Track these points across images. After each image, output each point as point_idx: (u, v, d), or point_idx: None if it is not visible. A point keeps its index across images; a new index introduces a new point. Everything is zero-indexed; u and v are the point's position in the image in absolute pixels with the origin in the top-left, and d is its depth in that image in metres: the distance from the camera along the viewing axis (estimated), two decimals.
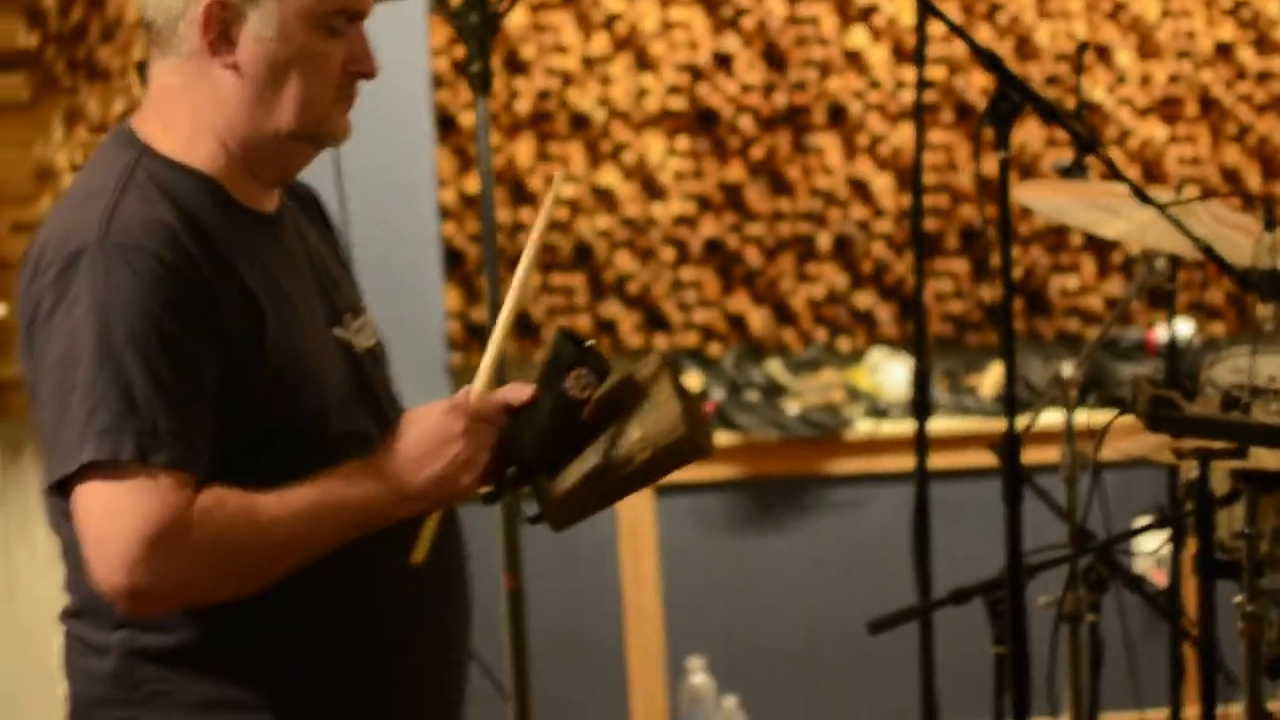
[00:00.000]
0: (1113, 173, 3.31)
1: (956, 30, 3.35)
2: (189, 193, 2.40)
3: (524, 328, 5.46)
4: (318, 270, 2.56)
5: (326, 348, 2.49)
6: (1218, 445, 3.10)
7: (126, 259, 2.29)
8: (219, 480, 2.32)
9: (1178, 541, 3.76)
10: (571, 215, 5.48)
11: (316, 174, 2.69)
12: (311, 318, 2.48)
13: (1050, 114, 3.42)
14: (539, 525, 2.55)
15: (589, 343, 2.54)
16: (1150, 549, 4.83)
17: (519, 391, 2.52)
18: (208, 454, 2.32)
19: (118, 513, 2.26)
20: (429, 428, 2.41)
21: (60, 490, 2.32)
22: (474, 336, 5.44)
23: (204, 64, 2.42)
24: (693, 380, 5.43)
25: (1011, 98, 3.36)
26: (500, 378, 2.57)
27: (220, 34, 2.41)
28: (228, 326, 2.34)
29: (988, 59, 3.37)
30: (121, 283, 2.29)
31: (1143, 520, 4.01)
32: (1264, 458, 3.18)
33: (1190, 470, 3.32)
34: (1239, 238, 3.50)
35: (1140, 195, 3.31)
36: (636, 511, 5.35)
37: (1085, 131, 3.54)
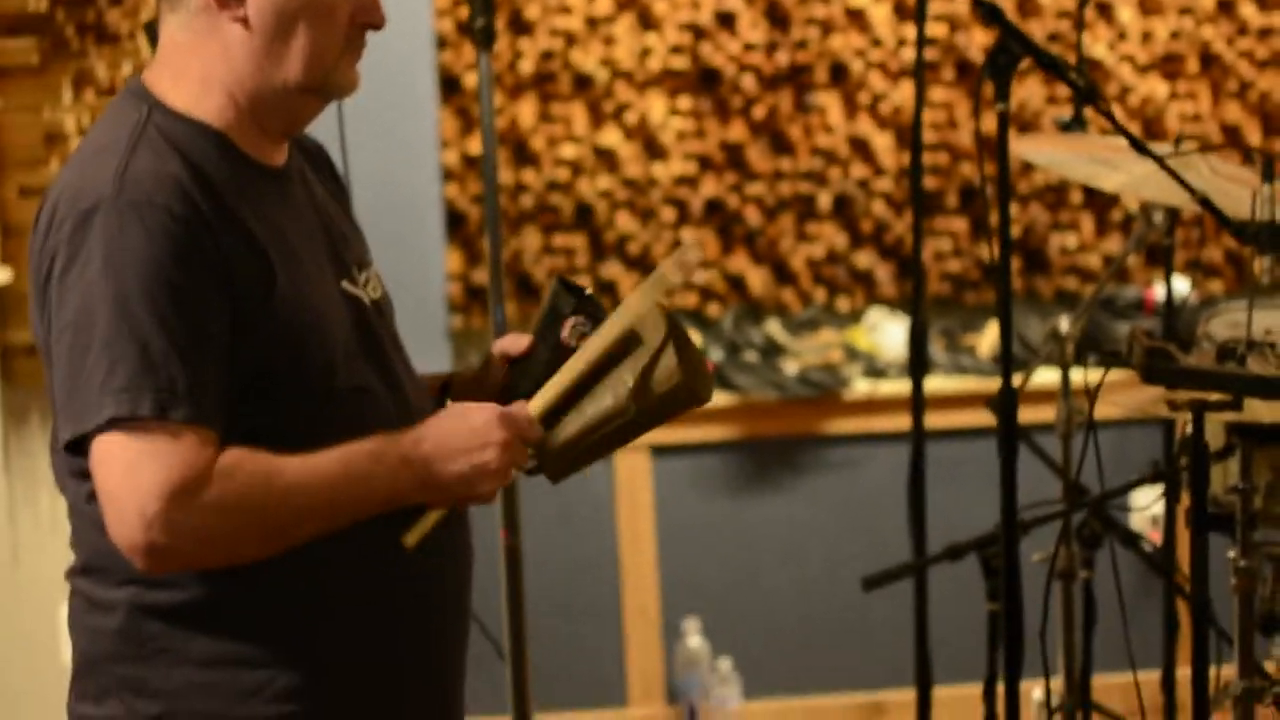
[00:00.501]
0: (1112, 125, 3.28)
1: None
2: (199, 147, 2.41)
3: (525, 289, 5.45)
4: (325, 224, 2.57)
5: (333, 301, 2.49)
6: (1213, 397, 3.07)
7: (139, 215, 2.30)
8: (228, 431, 2.32)
9: (1172, 496, 3.73)
10: (573, 176, 5.46)
11: (320, 135, 2.69)
12: (319, 271, 2.49)
13: (1050, 65, 3.40)
14: (537, 476, 2.55)
15: (586, 291, 2.54)
16: (1144, 505, 4.81)
17: (516, 341, 2.55)
18: (223, 409, 2.33)
19: (137, 469, 2.27)
20: (473, 426, 2.41)
21: (74, 448, 2.33)
22: (474, 299, 5.43)
23: (212, 18, 2.43)
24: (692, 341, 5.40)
25: (1011, 49, 3.34)
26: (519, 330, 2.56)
27: None
28: (237, 280, 2.35)
29: (988, 11, 3.35)
30: (135, 239, 2.29)
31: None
32: (1259, 411, 3.16)
33: (1185, 425, 3.30)
34: (1238, 192, 3.47)
35: (1139, 147, 3.28)
36: (633, 472, 5.34)
37: (1084, 84, 3.50)
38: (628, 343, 2.50)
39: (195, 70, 2.44)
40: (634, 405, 2.48)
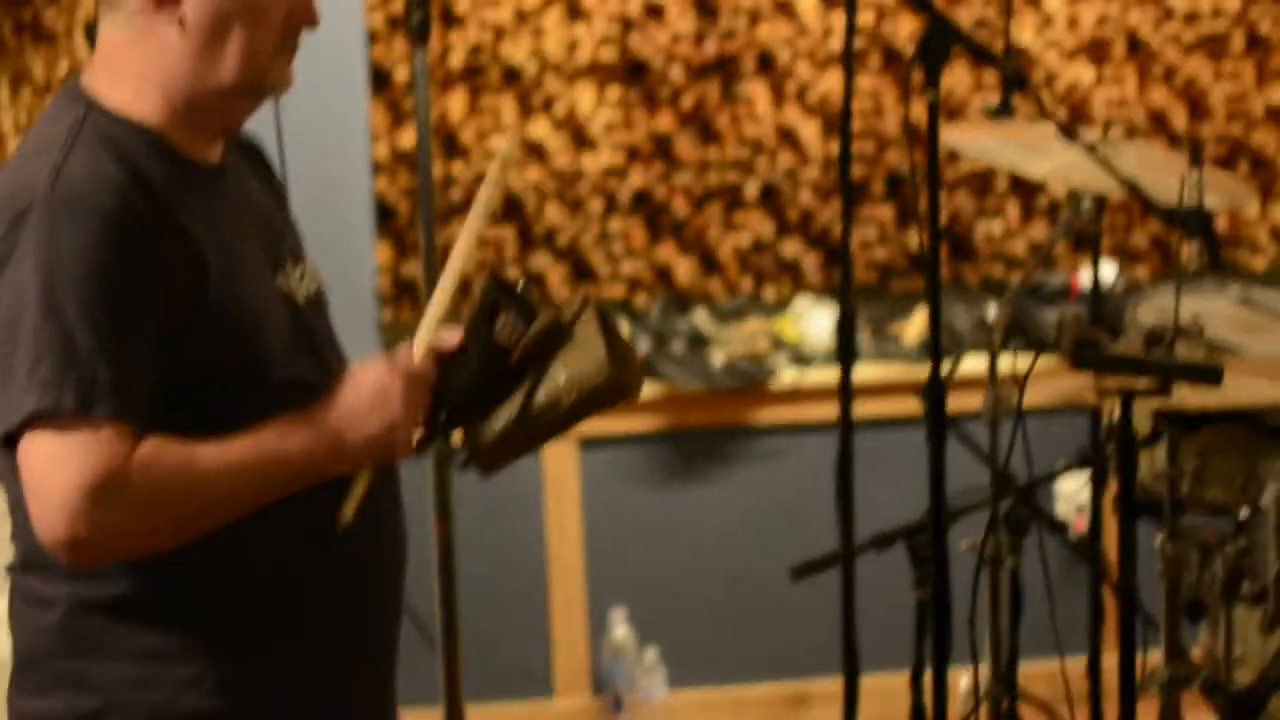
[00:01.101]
0: (1040, 111, 3.28)
1: None
2: (134, 147, 2.43)
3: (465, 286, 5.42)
4: (261, 221, 2.59)
5: (269, 297, 2.51)
6: (1140, 384, 3.08)
7: (73, 214, 2.32)
8: (164, 427, 2.34)
9: (1099, 483, 3.74)
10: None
11: (255, 130, 2.69)
12: (254, 268, 2.50)
13: (977, 52, 3.41)
14: (469, 470, 2.57)
15: (518, 286, 2.55)
16: (1072, 492, 4.82)
17: (448, 336, 2.53)
18: (150, 405, 2.34)
19: (59, 464, 2.30)
20: (368, 386, 2.43)
21: (8, 443, 2.34)
22: (404, 292, 5.42)
23: (149, 19, 2.44)
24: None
25: (940, 37, 3.33)
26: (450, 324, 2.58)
27: None
28: (171, 278, 2.36)
29: None
30: (67, 238, 2.31)
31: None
32: (1186, 397, 3.17)
33: (1113, 412, 3.30)
34: (1165, 177, 3.47)
35: (1066, 133, 3.29)
36: (561, 463, 5.32)
37: (1012, 70, 3.50)
38: (557, 336, 2.52)
39: (132, 71, 2.46)
40: (565, 400, 2.49)
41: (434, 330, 2.50)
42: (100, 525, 2.29)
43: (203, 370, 2.40)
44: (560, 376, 2.50)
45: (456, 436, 2.57)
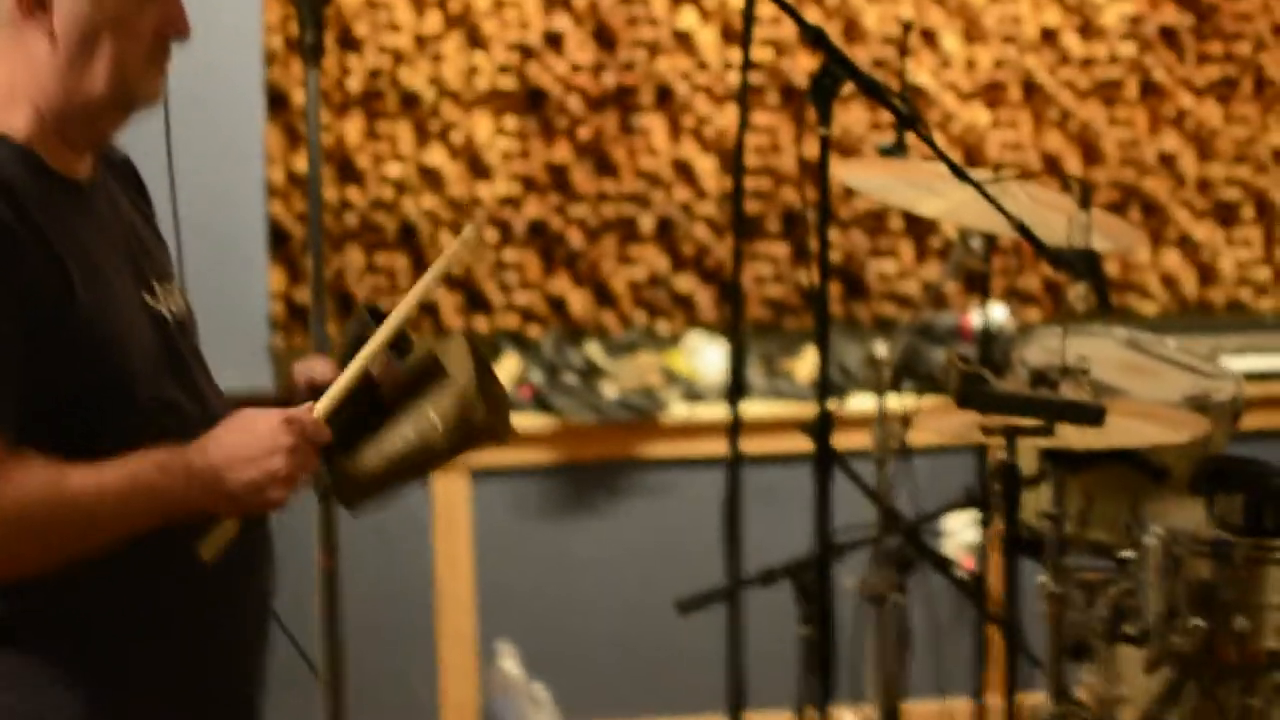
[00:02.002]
0: (933, 150, 3.30)
1: (784, 6, 3.32)
2: (2, 160, 2.38)
3: (347, 309, 5.39)
4: (129, 237, 2.56)
5: (135, 315, 2.48)
6: (1026, 423, 3.09)
7: None
8: (30, 445, 2.31)
9: (985, 522, 3.76)
10: (397, 195, 5.42)
11: (146, 149, 2.67)
12: (122, 285, 2.47)
13: (872, 89, 3.42)
14: (331, 500, 2.52)
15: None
16: (957, 530, 4.84)
17: (321, 367, 2.53)
18: (16, 421, 2.30)
19: None
20: (258, 433, 2.39)
21: None
22: (296, 317, 5.37)
23: (18, 30, 2.41)
24: (511, 363, 5.38)
25: (835, 74, 3.35)
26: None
27: (35, 0, 2.41)
28: (35, 293, 2.33)
29: (812, 34, 3.36)
30: None
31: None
32: (1071, 437, 3.18)
33: (999, 451, 3.31)
34: (1055, 219, 3.49)
35: (958, 172, 3.30)
36: (451, 495, 5.29)
37: (906, 109, 3.52)
38: (430, 373, 2.49)
39: (0, 83, 2.43)
40: (436, 441, 2.46)
41: (343, 394, 2.45)
42: None
43: (68, 387, 2.36)
44: (432, 415, 2.47)
45: (322, 469, 2.51)
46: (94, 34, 2.41)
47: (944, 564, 3.98)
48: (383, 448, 2.47)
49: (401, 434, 2.47)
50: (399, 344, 2.50)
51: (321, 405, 2.44)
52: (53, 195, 2.42)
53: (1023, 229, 3.23)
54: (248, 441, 2.38)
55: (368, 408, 2.49)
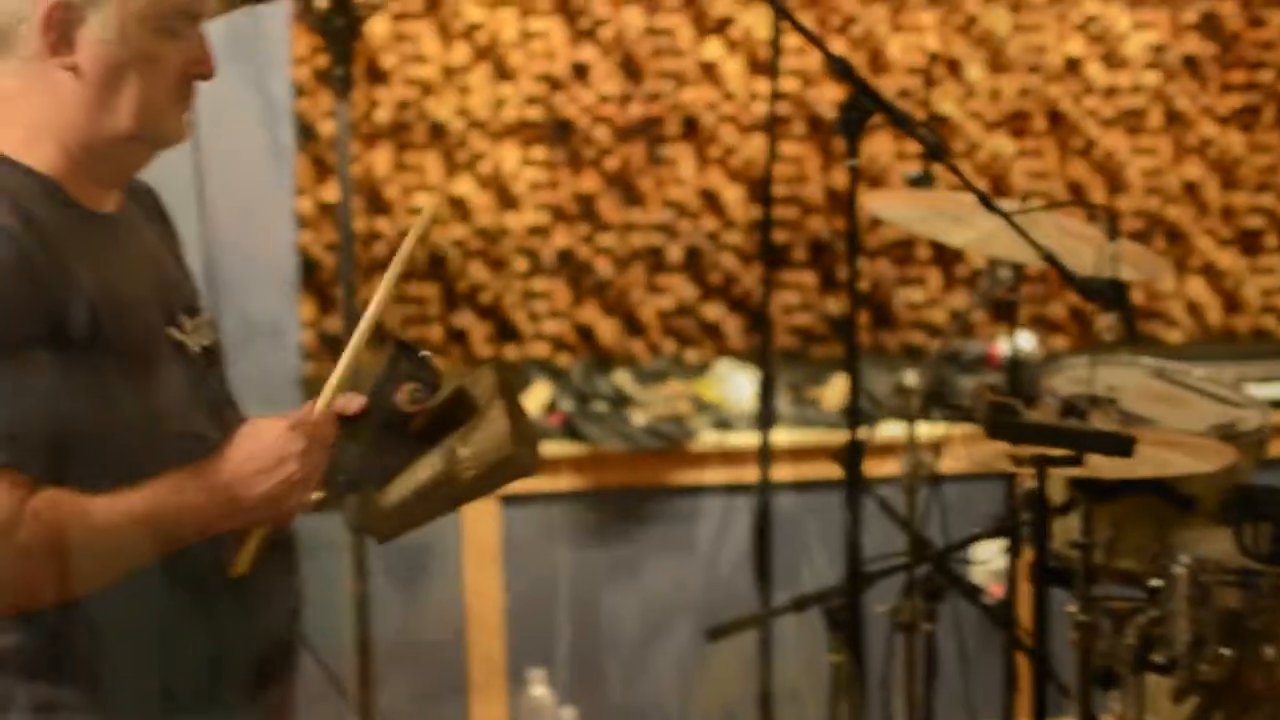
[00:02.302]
0: (960, 181, 3.32)
1: (810, 37, 3.35)
2: (27, 194, 2.40)
3: (378, 338, 5.39)
4: (155, 270, 2.57)
5: (162, 348, 2.49)
6: (1055, 453, 3.11)
7: None
8: (57, 478, 2.32)
9: (1014, 550, 3.77)
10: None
11: (177, 182, 2.65)
12: (148, 318, 2.49)
13: (899, 120, 3.44)
14: (361, 534, 2.53)
15: (423, 354, 2.53)
16: (987, 559, 4.85)
17: (351, 401, 2.52)
18: (43, 454, 2.32)
19: None
20: (268, 443, 2.41)
21: None
22: (327, 347, 5.39)
23: (44, 66, 2.43)
24: (541, 391, 5.40)
25: (862, 105, 3.37)
26: (354, 389, 2.56)
27: (60, 36, 2.42)
28: (63, 328, 2.34)
29: (839, 66, 3.38)
30: None
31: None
32: (1100, 467, 3.19)
33: (1028, 480, 3.33)
34: (1082, 249, 3.51)
35: (986, 202, 3.32)
36: (482, 521, 5.31)
37: (933, 140, 3.55)
38: (460, 407, 2.51)
39: (26, 117, 2.45)
40: (465, 476, 2.49)
41: (339, 389, 2.48)
42: None
43: (95, 420, 2.37)
44: (463, 450, 2.49)
45: (352, 501, 2.54)
46: (120, 71, 2.43)
47: (974, 593, 4.00)
48: (413, 484, 2.50)
49: (430, 468, 2.49)
50: (429, 379, 2.52)
51: (322, 400, 2.47)
52: (78, 229, 2.44)
53: (1051, 259, 3.25)
54: (257, 454, 2.40)
55: (399, 444, 2.51)
